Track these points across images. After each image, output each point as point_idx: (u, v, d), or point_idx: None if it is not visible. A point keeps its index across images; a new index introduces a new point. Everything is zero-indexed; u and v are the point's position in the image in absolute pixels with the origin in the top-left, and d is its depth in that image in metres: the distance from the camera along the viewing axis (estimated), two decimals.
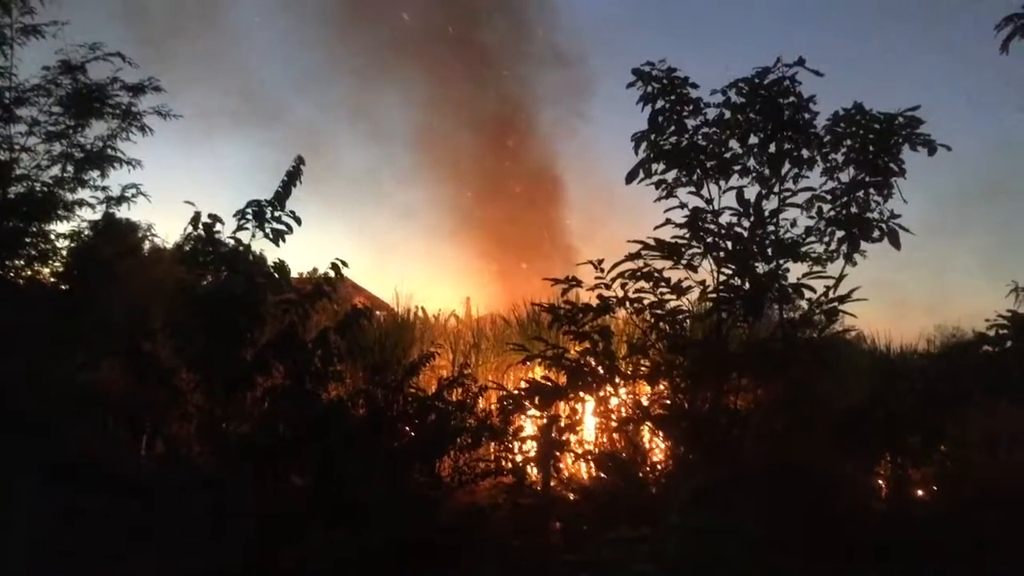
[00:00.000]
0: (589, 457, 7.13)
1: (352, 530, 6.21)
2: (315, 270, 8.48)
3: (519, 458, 7.27)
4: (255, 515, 6.04)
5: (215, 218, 6.65)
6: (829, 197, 7.03)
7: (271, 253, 6.90)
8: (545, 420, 6.91)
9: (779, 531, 4.89)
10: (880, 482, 7.91)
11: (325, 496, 6.44)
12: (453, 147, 22.21)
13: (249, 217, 6.74)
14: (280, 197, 6.81)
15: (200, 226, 6.68)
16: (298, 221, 6.80)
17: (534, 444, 7.00)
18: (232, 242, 6.71)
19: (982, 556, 6.28)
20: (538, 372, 7.76)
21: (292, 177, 6.90)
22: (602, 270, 6.89)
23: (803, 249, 6.83)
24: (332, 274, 6.96)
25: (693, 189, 6.99)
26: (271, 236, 6.74)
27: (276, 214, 6.75)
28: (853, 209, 7.02)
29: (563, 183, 22.16)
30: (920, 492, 8.27)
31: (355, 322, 7.04)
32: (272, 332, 6.76)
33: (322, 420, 6.71)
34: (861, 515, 6.80)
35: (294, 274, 9.53)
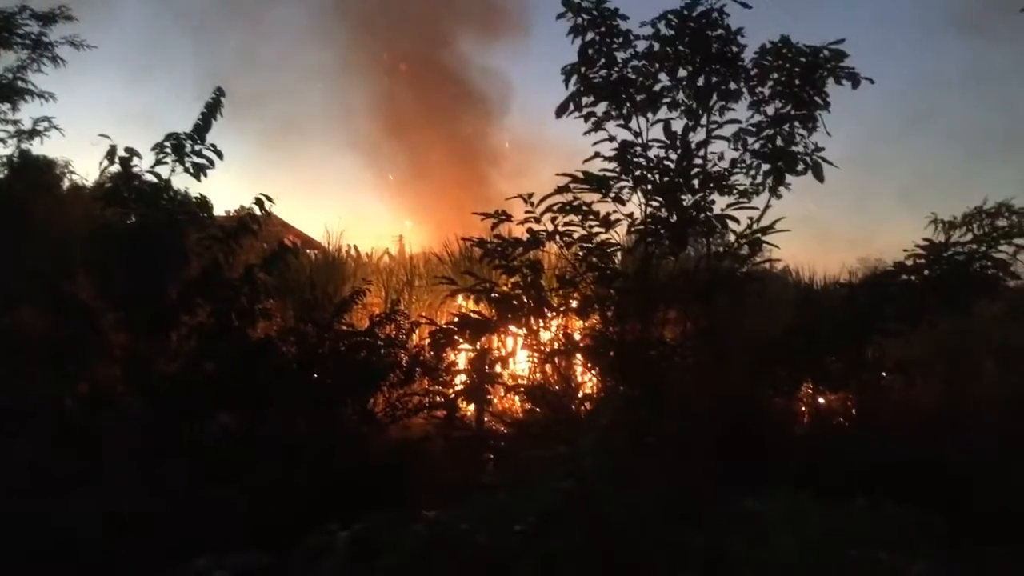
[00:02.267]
0: (521, 390, 7.19)
1: (283, 467, 6.20)
2: (242, 208, 8.26)
3: (452, 393, 7.30)
4: (184, 454, 5.97)
5: (132, 152, 6.41)
6: (755, 130, 7.09)
7: (195, 189, 6.73)
8: (477, 354, 6.94)
9: (700, 455, 5.06)
10: (802, 408, 8.22)
11: (254, 434, 6.40)
12: (385, 85, 21.77)
13: (168, 151, 6.53)
14: (200, 130, 6.60)
15: (116, 160, 6.44)
16: (219, 155, 6.61)
17: (466, 378, 7.02)
18: (151, 177, 6.53)
19: (897, 477, 6.57)
20: (472, 308, 7.78)
21: (212, 109, 6.69)
22: (532, 204, 6.87)
23: (729, 182, 6.90)
24: (257, 209, 6.83)
25: (622, 122, 6.98)
26: (192, 171, 6.55)
27: (196, 147, 6.55)
28: (779, 142, 7.11)
29: (499, 120, 21.96)
30: (841, 418, 8.63)
31: (281, 259, 6.94)
32: (197, 270, 6.62)
33: (250, 358, 6.65)
34: (782, 439, 7.06)
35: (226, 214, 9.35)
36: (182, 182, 6.56)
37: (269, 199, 6.88)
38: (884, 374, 8.18)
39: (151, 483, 5.47)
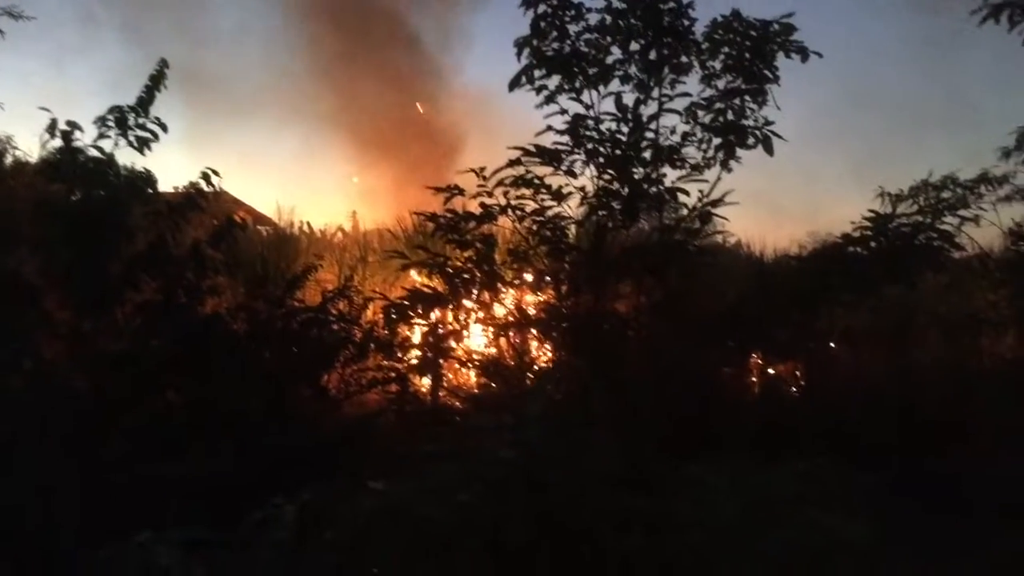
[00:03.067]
0: (474, 364, 7.19)
1: (234, 445, 6.14)
2: (191, 183, 8.11)
3: (404, 368, 7.27)
4: (132, 433, 5.88)
5: (73, 125, 6.25)
6: (706, 104, 7.13)
7: (145, 166, 6.59)
8: (429, 328, 6.91)
9: (650, 424, 5.12)
10: (753, 378, 8.34)
11: (203, 412, 6.32)
12: (341, 62, 21.43)
13: (111, 124, 6.39)
14: (143, 103, 6.45)
15: (58, 134, 6.28)
16: (163, 128, 6.48)
17: (419, 353, 6.99)
18: (95, 152, 6.38)
19: (845, 443, 6.71)
20: (425, 283, 7.74)
21: (155, 81, 6.53)
22: (484, 178, 6.84)
23: (681, 155, 6.93)
24: (204, 184, 6.70)
25: (574, 96, 6.96)
26: (135, 144, 6.41)
27: (140, 121, 6.41)
28: (729, 116, 7.16)
29: (455, 93, 21.76)
30: (791, 387, 8.79)
31: (229, 234, 6.82)
32: (143, 245, 6.50)
33: (198, 335, 6.55)
34: (733, 408, 7.17)
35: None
36: (128, 157, 6.43)
37: (216, 173, 6.76)
38: (832, 344, 8.36)
39: (97, 460, 5.39)
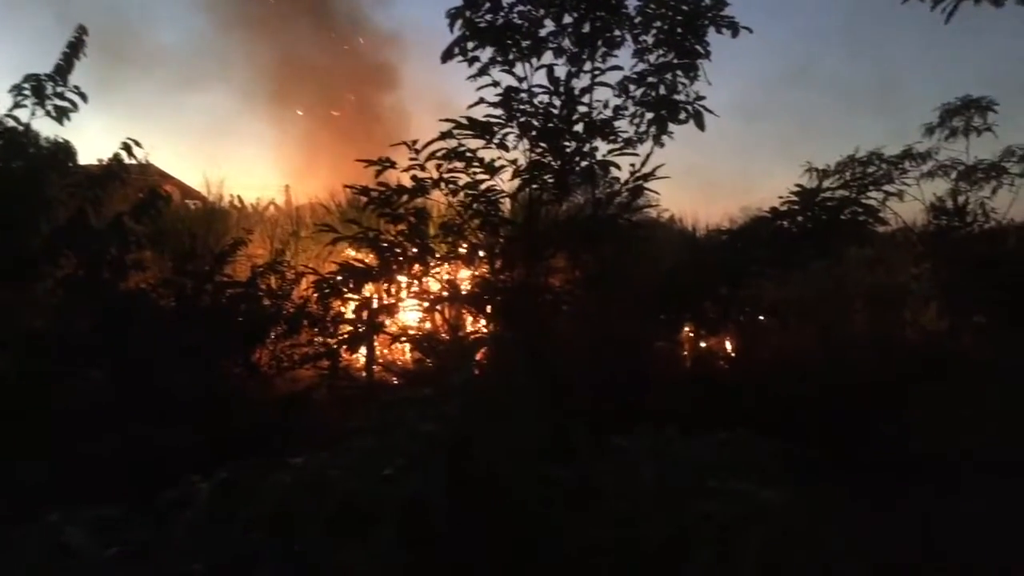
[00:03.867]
0: (406, 339, 7.14)
1: (161, 424, 6.00)
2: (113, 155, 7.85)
3: (335, 343, 7.18)
4: (54, 412, 5.71)
5: None
6: (638, 78, 7.15)
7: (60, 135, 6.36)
8: (360, 303, 6.83)
9: (581, 397, 5.16)
10: (685, 351, 8.45)
11: (128, 390, 6.16)
12: (272, 33, 20.94)
13: (27, 93, 6.15)
14: (61, 71, 6.22)
15: None
16: (83, 97, 6.26)
17: (350, 328, 6.91)
18: (11, 122, 6.14)
19: (774, 415, 6.85)
20: (358, 257, 7.65)
21: (74, 49, 6.31)
22: (417, 151, 6.76)
23: (614, 129, 6.94)
24: (125, 155, 6.50)
25: (507, 68, 6.91)
26: (54, 114, 6.18)
27: (58, 89, 6.18)
28: (662, 91, 7.20)
29: (388, 65, 21.46)
30: (722, 360, 8.94)
31: (153, 207, 6.64)
32: (63, 219, 6.29)
33: (121, 311, 6.37)
34: (665, 380, 7.25)
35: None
36: (49, 128, 6.21)
37: (137, 144, 6.56)
38: (761, 317, 8.51)
39: (15, 439, 5.22)
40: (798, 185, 7.06)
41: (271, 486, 2.80)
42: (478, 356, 6.04)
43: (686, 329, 7.75)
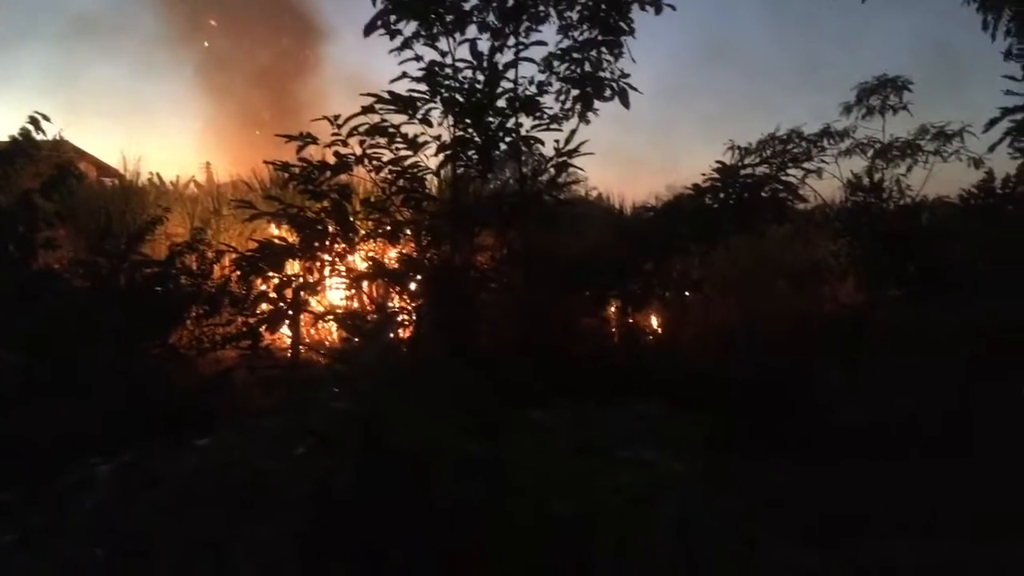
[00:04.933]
0: (330, 318, 7.02)
1: (72, 406, 5.81)
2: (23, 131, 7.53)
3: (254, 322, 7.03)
4: None
5: None
6: (563, 55, 7.13)
7: None
8: (281, 282, 6.68)
9: (502, 372, 5.15)
10: (611, 328, 8.53)
11: (39, 373, 5.94)
12: (194, 8, 20.28)
13: None
14: None
15: None
16: None
17: (271, 307, 6.75)
18: None
19: (697, 389, 6.96)
20: (281, 235, 7.48)
21: None
22: (339, 126, 6.63)
23: (538, 105, 6.91)
24: (32, 130, 6.23)
25: (430, 42, 6.81)
26: None
27: None
28: (587, 68, 7.20)
29: (314, 40, 21.00)
30: (648, 336, 9.05)
31: (63, 183, 6.39)
32: None
33: (31, 290, 6.14)
34: (590, 356, 7.30)
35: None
36: None
37: (46, 118, 6.30)
38: (687, 293, 8.63)
39: None
40: (719, 162, 7.15)
41: (176, 468, 2.72)
42: (397, 333, 5.97)
43: (612, 305, 7.80)
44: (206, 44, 18.81)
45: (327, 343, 8.31)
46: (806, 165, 8.57)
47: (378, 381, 2.84)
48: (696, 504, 2.85)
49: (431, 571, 2.51)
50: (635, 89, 7.24)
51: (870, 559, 4.43)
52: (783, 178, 7.56)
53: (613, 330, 8.51)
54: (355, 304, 7.55)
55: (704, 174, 7.29)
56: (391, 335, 4.57)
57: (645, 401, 3.61)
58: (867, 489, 5.77)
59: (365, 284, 6.89)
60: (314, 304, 7.26)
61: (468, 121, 6.58)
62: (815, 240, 9.17)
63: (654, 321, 8.84)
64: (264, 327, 6.44)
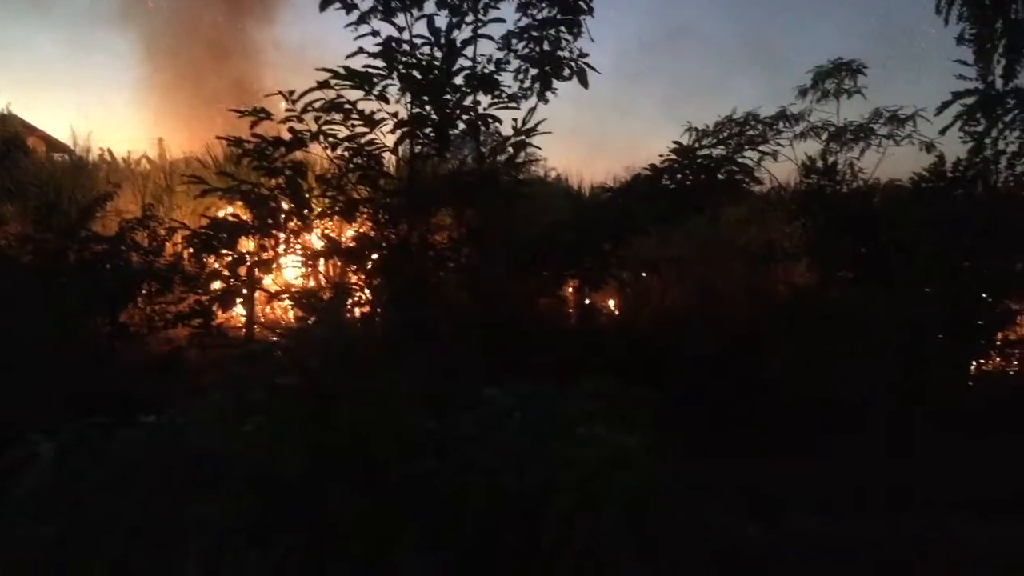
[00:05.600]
0: (286, 296, 6.93)
1: (21, 382, 5.68)
2: None
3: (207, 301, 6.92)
4: None
5: None
6: (522, 33, 7.09)
7: None
8: (234, 259, 6.57)
9: (458, 350, 5.14)
10: (570, 307, 8.56)
11: None
12: None
13: None
14: None
15: None
16: None
17: (224, 285, 6.65)
18: None
19: (653, 367, 7.02)
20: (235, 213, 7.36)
21: None
22: (293, 102, 6.52)
23: (497, 84, 6.87)
24: None
25: (387, 17, 6.71)
26: None
27: None
28: (545, 47, 7.17)
29: (271, 14, 20.58)
30: (606, 315, 9.11)
31: (8, 158, 6.23)
32: None
33: None
34: (548, 334, 7.33)
35: None
36: None
37: None
38: (644, 274, 8.69)
39: None
40: (675, 142, 7.17)
41: (121, 445, 2.67)
42: (350, 311, 5.91)
43: (570, 285, 7.82)
44: (151, 4, 18.28)
45: (283, 322, 8.21)
46: (762, 148, 8.63)
47: (327, 358, 2.81)
48: (648, 479, 2.87)
49: (381, 548, 2.50)
50: (594, 69, 7.25)
51: (813, 532, 4.54)
52: (739, 160, 7.62)
53: (571, 310, 8.56)
54: (311, 283, 7.49)
55: (662, 155, 7.33)
56: (343, 312, 4.53)
57: (600, 378, 3.63)
58: (813, 464, 5.90)
59: (321, 263, 6.81)
60: (269, 282, 7.16)
61: (425, 98, 6.51)
62: (770, 222, 9.25)
63: (612, 301, 8.89)
64: (216, 305, 6.33)
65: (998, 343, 8.56)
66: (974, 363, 8.69)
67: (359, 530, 2.46)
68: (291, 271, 7.56)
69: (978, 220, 7.94)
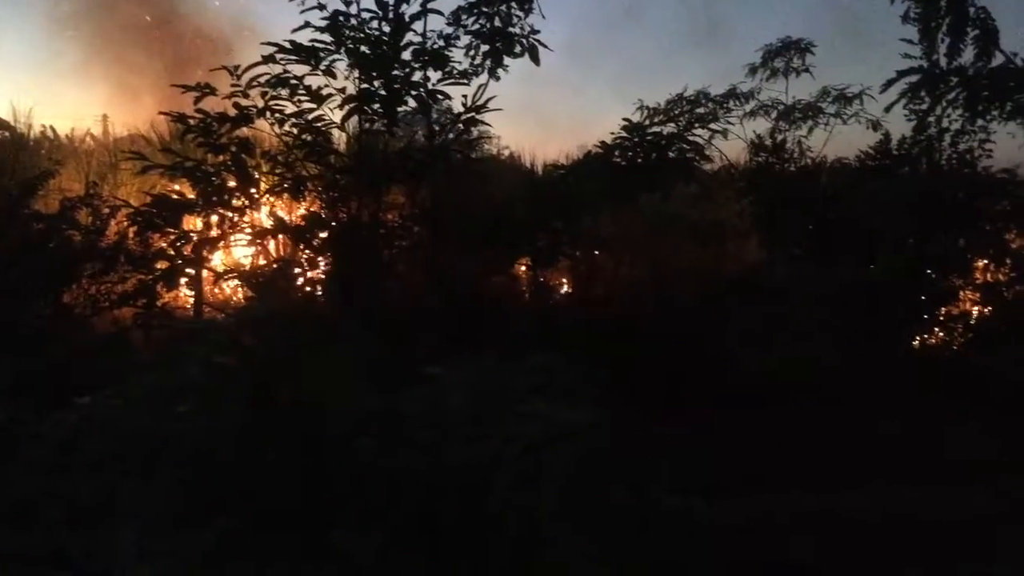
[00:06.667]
0: (235, 275, 6.82)
1: None
2: None
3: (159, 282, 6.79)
4: None
5: None
6: (472, 8, 7.03)
7: None
8: (178, 237, 6.44)
9: (407, 328, 5.12)
10: (523, 285, 8.56)
11: None
12: None
13: None
14: None
15: None
16: None
17: (168, 264, 6.51)
18: None
19: (604, 344, 7.06)
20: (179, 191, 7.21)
21: None
22: (238, 77, 6.39)
23: (446, 59, 6.79)
24: None
25: None
26: None
27: None
28: (496, 22, 7.12)
29: None
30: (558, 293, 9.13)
31: None
32: None
33: None
34: (501, 312, 7.32)
35: None
36: None
37: None
38: (596, 252, 8.73)
39: None
40: (626, 119, 7.19)
41: (53, 426, 2.62)
42: (296, 289, 5.85)
43: (522, 263, 7.83)
44: None
45: (232, 302, 8.10)
46: (712, 126, 8.70)
47: (266, 336, 2.77)
48: (589, 454, 2.89)
49: (319, 528, 2.48)
50: (545, 46, 7.21)
51: (755, 508, 4.63)
52: (689, 138, 7.66)
53: (524, 288, 8.56)
54: (260, 261, 7.38)
55: (613, 133, 7.35)
56: (285, 290, 4.47)
57: (548, 355, 3.64)
58: (757, 439, 6.01)
59: (272, 242, 6.71)
60: (217, 261, 7.05)
61: (374, 73, 6.42)
62: (720, 199, 9.33)
63: (564, 279, 8.91)
64: (160, 285, 6.21)
65: (941, 318, 8.77)
66: (918, 338, 8.90)
67: (297, 510, 2.44)
68: (241, 250, 7.45)
69: (922, 197, 8.10)
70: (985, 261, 8.76)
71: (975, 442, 6.17)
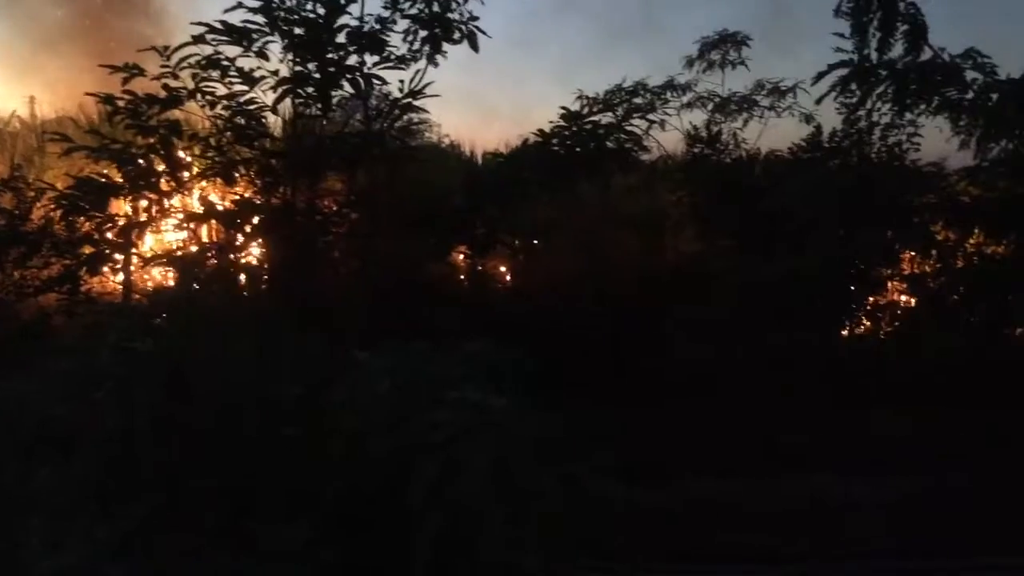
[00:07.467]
0: (164, 261, 6.65)
1: None
2: None
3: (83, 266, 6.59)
4: None
5: None
6: None
7: None
8: (103, 221, 6.26)
9: (332, 315, 5.06)
10: (461, 274, 8.53)
11: None
12: None
13: None
14: None
15: None
16: None
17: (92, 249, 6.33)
18: None
19: (540, 331, 7.08)
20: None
21: None
22: (167, 58, 6.23)
23: (383, 44, 6.71)
24: None
25: None
26: None
27: None
28: (435, 8, 7.04)
29: None
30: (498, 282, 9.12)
31: None
32: None
33: None
34: (436, 300, 7.29)
35: None
36: None
37: None
38: (535, 241, 8.74)
39: None
40: (563, 108, 7.20)
41: None
42: (225, 276, 5.74)
43: (460, 251, 7.80)
44: None
45: (162, 288, 7.91)
46: (650, 116, 8.76)
47: (181, 321, 2.71)
48: (514, 442, 2.89)
49: (237, 518, 2.44)
50: (484, 33, 7.16)
51: (680, 494, 4.71)
52: (628, 128, 7.71)
53: (461, 276, 8.53)
54: (192, 247, 7.21)
55: (552, 121, 7.36)
56: (212, 276, 4.38)
57: (480, 343, 3.62)
58: (683, 428, 6.11)
59: (204, 227, 6.57)
60: (146, 247, 6.87)
61: (308, 56, 6.30)
62: (657, 190, 9.40)
63: (502, 267, 8.90)
64: (84, 270, 6.04)
65: (869, 308, 8.98)
66: (846, 327, 9.09)
67: (213, 500, 2.40)
68: (172, 235, 7.27)
69: (852, 189, 8.26)
70: (912, 253, 8.97)
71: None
